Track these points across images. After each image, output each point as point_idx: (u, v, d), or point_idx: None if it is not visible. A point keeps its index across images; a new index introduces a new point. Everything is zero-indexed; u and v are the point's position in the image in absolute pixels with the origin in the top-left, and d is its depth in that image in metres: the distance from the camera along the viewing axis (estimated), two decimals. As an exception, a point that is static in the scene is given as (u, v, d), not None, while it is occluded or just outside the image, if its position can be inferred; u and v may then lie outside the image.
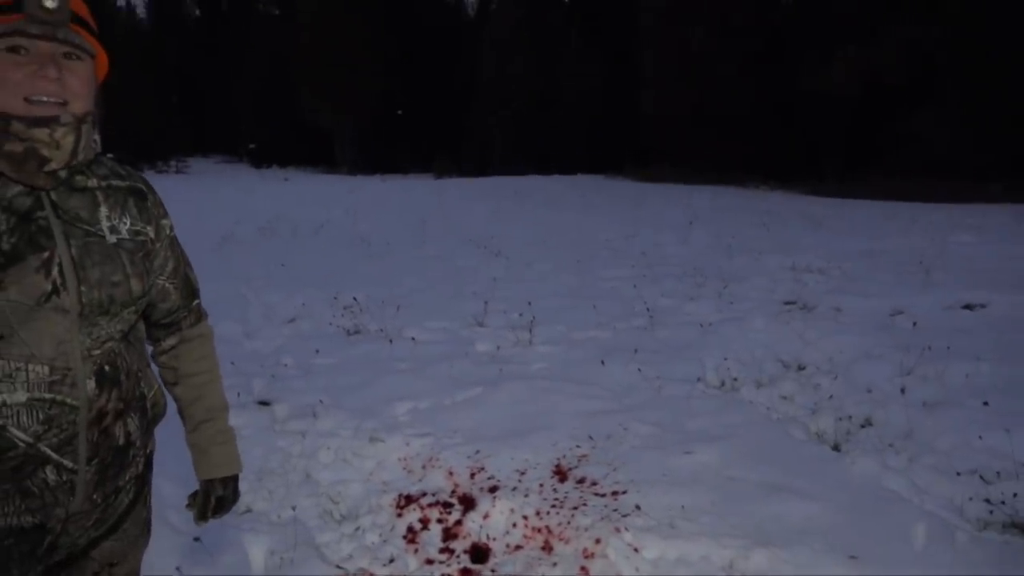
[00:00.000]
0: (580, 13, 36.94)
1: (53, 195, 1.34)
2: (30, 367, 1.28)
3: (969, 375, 4.56)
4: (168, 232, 1.55)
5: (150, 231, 1.49)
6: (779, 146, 24.12)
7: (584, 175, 26.54)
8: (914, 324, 5.64)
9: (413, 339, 5.69)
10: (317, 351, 5.38)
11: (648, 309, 6.31)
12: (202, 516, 1.67)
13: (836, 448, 3.81)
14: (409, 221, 13.02)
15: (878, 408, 4.29)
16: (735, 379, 4.73)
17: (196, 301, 1.67)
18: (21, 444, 1.29)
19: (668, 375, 4.75)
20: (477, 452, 3.68)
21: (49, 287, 1.29)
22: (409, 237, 11.33)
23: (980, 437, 3.63)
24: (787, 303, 6.90)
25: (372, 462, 3.72)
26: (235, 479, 1.70)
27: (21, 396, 1.28)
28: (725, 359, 5.09)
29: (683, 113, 25.67)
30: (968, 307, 6.49)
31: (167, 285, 1.57)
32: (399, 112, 37.70)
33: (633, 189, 21.41)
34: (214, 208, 15.16)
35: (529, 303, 6.21)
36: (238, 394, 4.51)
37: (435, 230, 11.95)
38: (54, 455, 1.33)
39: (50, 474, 1.34)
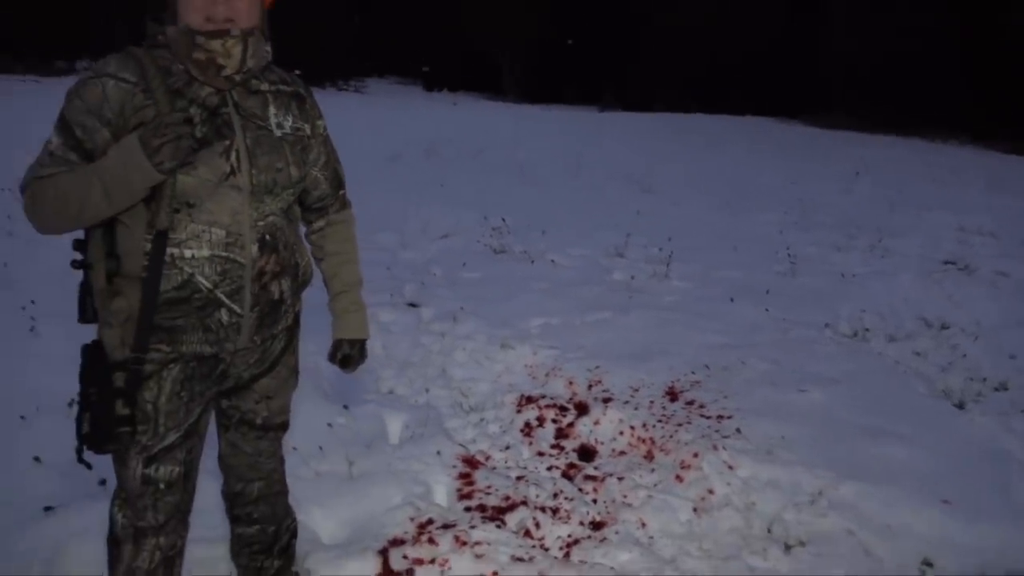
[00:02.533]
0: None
1: (235, 95, 1.70)
2: (212, 230, 1.66)
3: None
4: (322, 131, 1.90)
5: (307, 128, 1.84)
6: (976, 98, 21.95)
7: (753, 117, 25.42)
8: (1082, 297, 5.30)
9: (553, 262, 5.99)
10: (464, 264, 5.81)
11: (790, 255, 6.26)
12: (343, 365, 2.04)
13: (960, 406, 3.78)
14: (566, 152, 13.19)
15: (1019, 375, 4.18)
16: (867, 330, 4.70)
17: (342, 191, 2.02)
18: (204, 289, 1.68)
19: (797, 319, 4.80)
20: (597, 367, 3.96)
21: (228, 169, 1.66)
22: (564, 166, 11.55)
23: (1120, 413, 3.49)
24: (946, 263, 6.61)
25: (501, 365, 4.09)
26: (361, 342, 2.05)
27: (205, 252, 1.66)
28: (862, 311, 5.05)
29: (872, 56, 23.85)
30: None
31: (319, 175, 1.92)
32: (569, 42, 37.30)
33: (803, 135, 20.38)
34: (387, 127, 15.98)
35: (669, 239, 6.33)
36: (391, 295, 5.02)
37: (590, 162, 12.08)
38: (227, 301, 1.71)
39: (224, 315, 1.73)
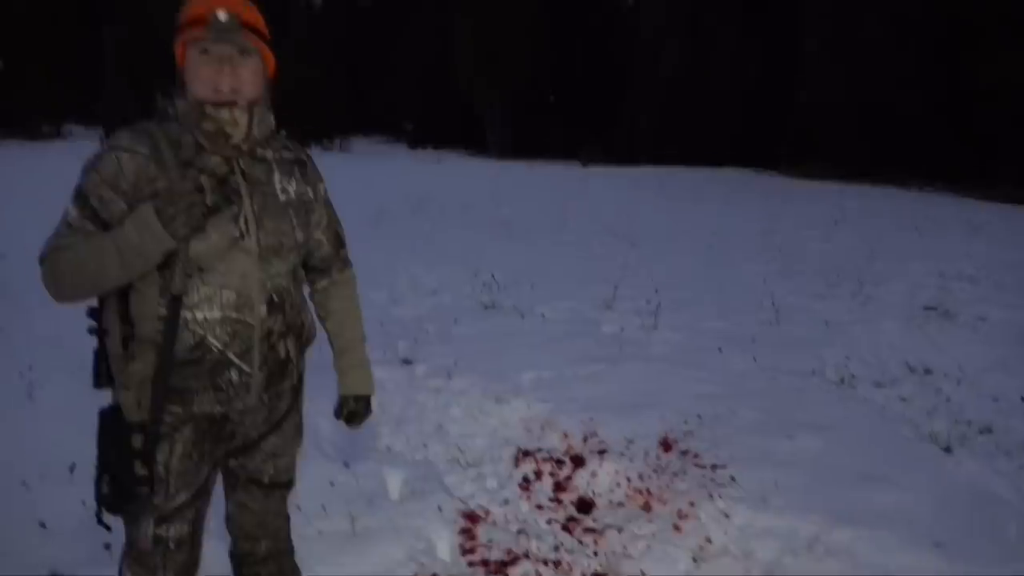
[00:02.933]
0: None
1: (242, 163, 1.80)
2: (223, 292, 1.73)
3: (1108, 393, 4.41)
4: (323, 194, 2.00)
5: (310, 192, 1.93)
6: (951, 145, 22.53)
7: (732, 168, 25.98)
8: (1060, 339, 5.44)
9: (543, 316, 6.09)
10: (455, 320, 5.88)
11: (774, 304, 6.39)
12: (348, 421, 2.09)
13: (947, 450, 3.86)
14: (551, 206, 13.43)
15: (1002, 417, 4.27)
16: (853, 376, 4.80)
17: (343, 251, 2.10)
18: (215, 350, 1.75)
19: (784, 367, 4.90)
20: (591, 419, 4.02)
21: (237, 233, 1.74)
22: (549, 222, 11.75)
23: (1102, 452, 3.58)
24: (927, 308, 6.76)
25: (496, 420, 4.14)
26: (367, 398, 2.11)
27: (217, 314, 1.73)
28: (847, 357, 5.15)
29: (844, 107, 24.50)
30: None
31: (321, 236, 2.01)
32: (551, 98, 38.10)
33: (782, 185, 20.83)
34: (373, 185, 16.20)
35: (656, 291, 6.45)
36: (384, 352, 5.07)
37: (575, 216, 12.30)
38: (237, 361, 1.78)
39: (234, 375, 1.79)
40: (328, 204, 2.02)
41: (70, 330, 4.71)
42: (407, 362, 5.00)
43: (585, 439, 3.87)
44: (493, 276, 7.02)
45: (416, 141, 44.69)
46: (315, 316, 2.08)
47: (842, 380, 4.81)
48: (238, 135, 1.74)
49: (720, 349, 5.19)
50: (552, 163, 32.07)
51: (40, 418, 3.67)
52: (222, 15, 1.70)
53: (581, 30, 38.83)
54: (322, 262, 2.04)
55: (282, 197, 1.84)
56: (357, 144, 43.00)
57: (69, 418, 3.57)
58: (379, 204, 12.56)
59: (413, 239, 9.85)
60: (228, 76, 1.71)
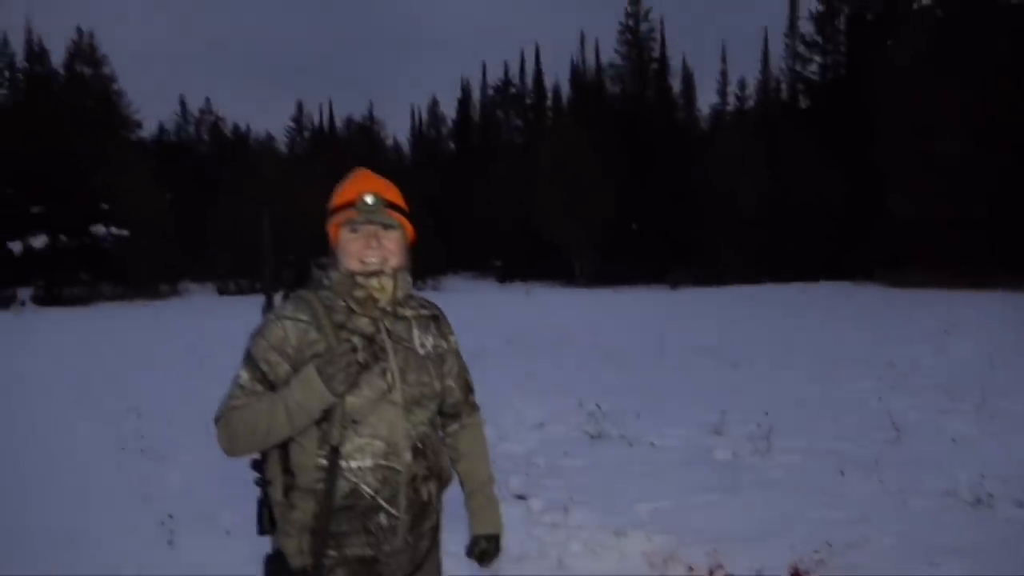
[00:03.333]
0: (815, 118, 36.42)
1: (387, 323, 1.99)
2: (374, 442, 1.89)
3: None
4: (454, 345, 2.17)
5: (444, 345, 2.11)
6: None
7: (827, 282, 25.50)
8: None
9: (652, 444, 6.03)
10: (565, 453, 5.90)
11: (893, 422, 6.15)
12: (480, 559, 2.16)
13: (1111, 573, 3.57)
14: (645, 331, 13.46)
15: None
16: (991, 496, 4.53)
17: (472, 396, 2.24)
18: (367, 496, 1.88)
19: (914, 488, 4.67)
20: (715, 550, 3.91)
21: (385, 386, 1.91)
22: (647, 348, 11.74)
23: None
24: (1062, 419, 6.37)
25: (617, 554, 4.08)
26: (496, 537, 2.19)
27: (369, 462, 1.88)
28: (981, 475, 4.87)
29: (936, 214, 23.97)
30: None
31: (452, 384, 2.15)
32: (633, 227, 38.77)
33: (881, 296, 20.25)
34: (469, 322, 16.63)
35: (766, 413, 6.33)
36: (498, 489, 5.11)
37: (672, 341, 12.26)
38: (385, 505, 1.91)
39: (382, 519, 1.91)
40: (458, 354, 2.19)
41: (199, 482, 5.00)
42: (521, 497, 5.01)
43: (711, 572, 3.76)
44: (598, 406, 7.04)
45: (505, 275, 45.94)
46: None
47: (979, 500, 4.55)
48: (384, 299, 1.95)
49: (842, 472, 5.01)
50: (639, 288, 32.22)
51: (182, 565, 3.86)
52: (369, 199, 1.95)
53: (659, 158, 39.92)
54: (453, 407, 2.18)
55: (421, 351, 2.02)
56: (448, 282, 44.48)
57: (208, 565, 3.76)
58: (478, 339, 12.86)
59: (514, 372, 9.99)
60: (375, 250, 1.94)
